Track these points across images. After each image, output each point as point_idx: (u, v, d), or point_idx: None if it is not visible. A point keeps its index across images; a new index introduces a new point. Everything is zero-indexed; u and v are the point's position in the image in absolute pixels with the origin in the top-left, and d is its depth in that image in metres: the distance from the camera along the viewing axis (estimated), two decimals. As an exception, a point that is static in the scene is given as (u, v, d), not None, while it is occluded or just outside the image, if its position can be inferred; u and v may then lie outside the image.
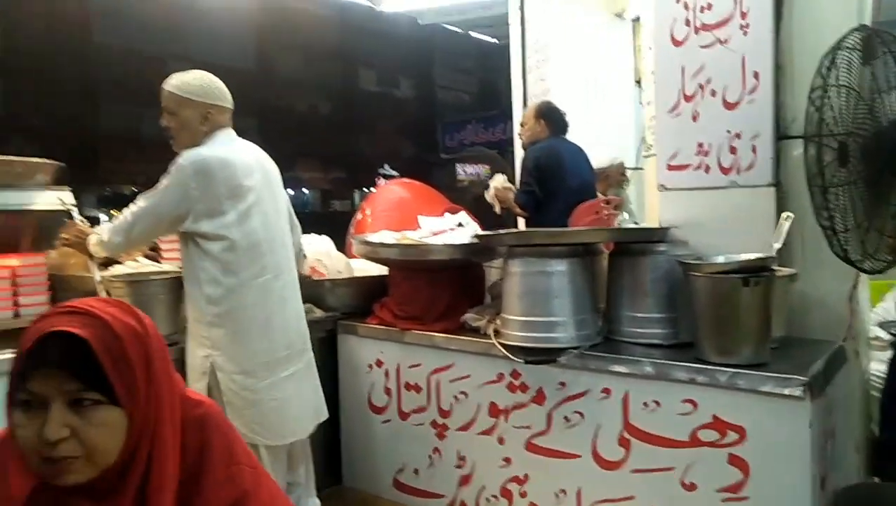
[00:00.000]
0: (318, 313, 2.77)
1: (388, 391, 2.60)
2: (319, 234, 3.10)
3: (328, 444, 2.71)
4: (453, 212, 3.25)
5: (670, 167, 2.26)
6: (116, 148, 15.76)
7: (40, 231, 2.58)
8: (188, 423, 1.02)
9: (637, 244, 2.20)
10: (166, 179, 2.07)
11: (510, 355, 2.12)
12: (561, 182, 3.40)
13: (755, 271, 1.83)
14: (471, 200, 3.63)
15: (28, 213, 2.50)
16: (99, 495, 0.92)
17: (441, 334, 2.44)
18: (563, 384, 2.10)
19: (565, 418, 2.10)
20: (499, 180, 3.58)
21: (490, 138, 12.62)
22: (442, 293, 2.57)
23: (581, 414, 2.07)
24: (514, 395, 2.22)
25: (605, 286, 2.29)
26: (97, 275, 2.32)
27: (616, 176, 4.09)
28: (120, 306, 0.96)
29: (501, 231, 2.44)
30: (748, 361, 1.81)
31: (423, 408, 2.48)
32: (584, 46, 4.44)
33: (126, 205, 2.17)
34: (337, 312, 2.84)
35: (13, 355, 0.91)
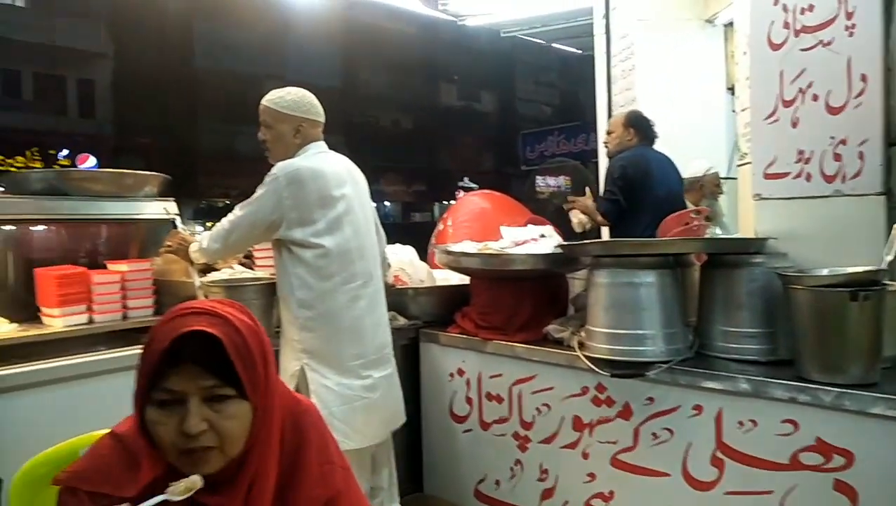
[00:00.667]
0: (401, 321, 2.82)
1: (469, 401, 2.60)
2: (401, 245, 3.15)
3: (410, 450, 2.74)
4: (535, 223, 3.23)
5: (767, 176, 2.16)
6: (212, 163, 16.70)
7: (147, 239, 2.76)
8: (287, 418, 1.06)
9: (731, 256, 2.11)
10: (261, 188, 2.17)
11: (596, 368, 2.08)
12: (648, 192, 3.31)
13: (864, 285, 1.71)
14: (552, 211, 3.58)
15: (137, 222, 2.68)
16: (218, 486, 0.97)
17: (523, 345, 2.42)
18: (651, 400, 2.04)
19: (653, 434, 2.03)
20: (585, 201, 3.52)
21: (571, 149, 12.46)
22: (524, 304, 2.55)
23: (670, 431, 2.00)
24: (600, 409, 2.17)
25: (697, 299, 2.21)
26: (197, 280, 2.46)
27: (710, 186, 3.95)
28: (233, 306, 1.02)
29: (586, 241, 2.40)
30: (856, 381, 1.69)
31: (504, 419, 2.47)
32: (673, 54, 4.32)
33: (220, 217, 2.29)
34: (419, 321, 2.87)
35: (141, 355, 0.95)
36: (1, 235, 2.56)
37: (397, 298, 2.83)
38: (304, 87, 2.34)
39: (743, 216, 3.76)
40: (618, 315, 2.07)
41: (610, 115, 4.27)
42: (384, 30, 17.65)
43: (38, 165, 12.86)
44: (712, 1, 4.38)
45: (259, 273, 2.66)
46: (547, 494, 2.33)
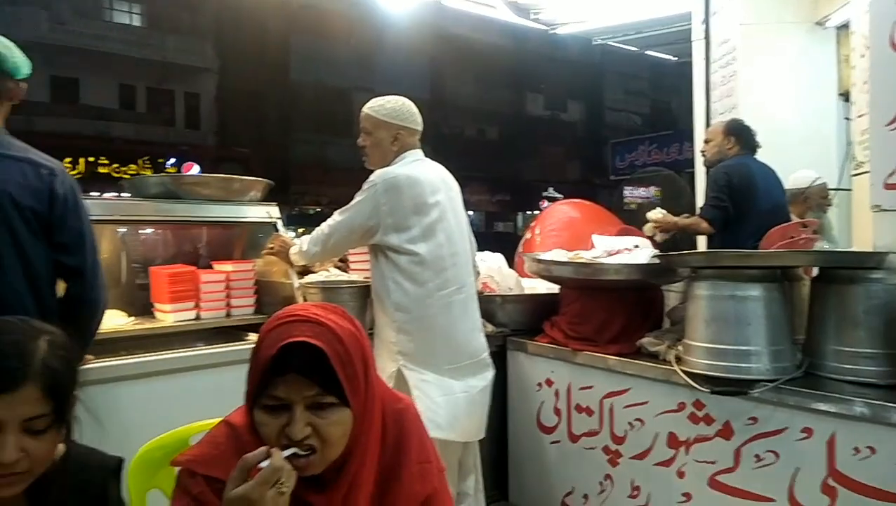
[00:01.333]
0: (489, 329, 2.81)
1: (557, 412, 2.56)
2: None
3: (495, 458, 2.72)
4: (626, 233, 3.15)
5: (888, 186, 2.00)
6: (304, 172, 17.37)
7: (249, 241, 2.90)
8: (389, 416, 1.08)
9: (846, 271, 1.97)
10: (360, 195, 2.24)
11: (694, 384, 1.99)
12: (751, 203, 3.16)
13: None
14: (644, 222, 3.48)
15: (241, 224, 2.82)
16: (320, 483, 1.00)
17: (616, 357, 2.36)
18: (754, 419, 1.93)
19: (756, 456, 1.92)
20: (657, 213, 3.40)
21: (664, 159, 12.08)
22: (617, 315, 2.49)
23: (776, 454, 1.88)
24: (697, 426, 2.07)
25: (805, 316, 2.08)
26: (296, 282, 2.55)
27: (817, 198, 3.72)
28: (336, 312, 1.05)
29: (686, 252, 2.32)
30: None
31: (594, 432, 2.41)
32: (778, 59, 4.11)
33: (311, 224, 2.38)
34: (506, 329, 2.86)
35: (250, 359, 1.01)
36: (121, 235, 2.76)
37: (485, 305, 2.82)
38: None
39: (858, 229, 3.52)
40: (720, 329, 1.98)
41: (708, 124, 4.12)
42: (473, 41, 17.82)
43: (148, 172, 13.85)
44: (822, 3, 4.14)
45: (353, 276, 2.73)
46: (638, 512, 2.26)
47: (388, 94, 2.36)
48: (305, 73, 17.86)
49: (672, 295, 2.72)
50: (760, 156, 3.39)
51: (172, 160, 13.75)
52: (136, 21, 16.91)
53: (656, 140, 12.90)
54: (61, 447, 0.99)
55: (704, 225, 3.28)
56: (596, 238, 2.90)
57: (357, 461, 1.02)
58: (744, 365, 1.92)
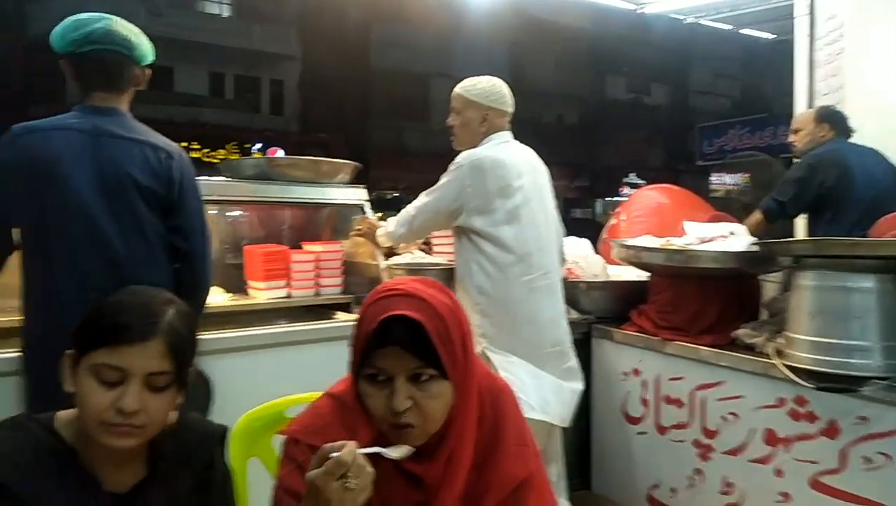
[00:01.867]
0: (574, 315, 2.76)
1: (644, 402, 2.49)
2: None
3: (578, 447, 2.68)
4: (719, 220, 3.01)
5: None
6: (382, 158, 17.61)
7: (337, 222, 2.97)
8: (485, 394, 1.08)
9: (976, 262, 1.81)
10: (446, 176, 2.24)
11: (798, 379, 1.89)
12: (849, 191, 2.95)
13: None
14: (738, 209, 3.31)
15: (330, 206, 2.89)
16: (420, 456, 1.01)
17: (709, 349, 2.27)
18: (863, 419, 1.81)
19: (865, 458, 1.80)
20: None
21: (756, 143, 11.46)
22: (710, 305, 2.39)
23: (888, 456, 1.76)
24: (798, 423, 1.97)
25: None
26: (382, 263, 2.59)
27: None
28: (435, 286, 1.05)
29: (789, 239, 2.19)
30: None
31: (684, 424, 2.33)
32: (893, 34, 3.79)
33: (389, 207, 2.39)
34: (591, 316, 2.80)
35: (353, 331, 1.03)
36: (219, 216, 2.88)
37: (569, 291, 2.76)
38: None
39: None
40: (827, 323, 1.86)
41: (810, 104, 3.86)
42: (553, 23, 17.45)
43: (235, 157, 14.42)
44: (948, -30, 3.78)
45: (437, 258, 2.75)
46: (730, 509, 2.17)
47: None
48: (385, 59, 18.04)
49: (769, 285, 2.59)
50: (871, 141, 3.15)
51: (258, 145, 14.24)
52: (226, 11, 17.57)
53: (748, 124, 12.23)
54: (174, 415, 1.04)
55: (757, 216, 3.09)
56: (688, 224, 2.78)
57: (455, 436, 1.03)
58: (853, 361, 1.81)
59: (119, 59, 1.75)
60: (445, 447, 1.02)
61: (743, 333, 2.26)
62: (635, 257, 2.55)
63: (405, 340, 0.96)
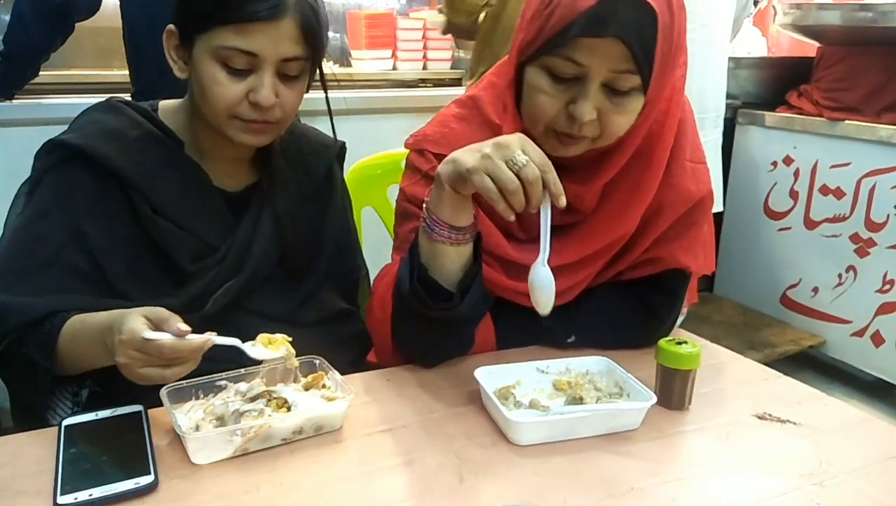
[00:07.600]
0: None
1: (794, 194, 2.19)
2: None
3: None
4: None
5: None
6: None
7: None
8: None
9: None
10: None
11: None
12: None
13: None
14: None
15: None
16: (576, 171, 0.83)
17: (891, 127, 1.89)
18: None
19: None
20: None
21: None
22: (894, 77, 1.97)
23: None
24: None
25: None
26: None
27: None
28: None
29: None
30: None
31: (842, 217, 2.03)
32: None
33: None
34: (737, 100, 2.42)
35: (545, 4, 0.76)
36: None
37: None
38: None
39: None
40: None
41: None
42: None
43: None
44: None
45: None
46: (887, 308, 1.92)
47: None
48: None
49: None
50: None
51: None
52: None
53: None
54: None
55: None
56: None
57: (622, 153, 0.82)
58: None
59: None
60: (607, 166, 0.82)
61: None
62: (803, 20, 2.11)
63: (630, 31, 0.71)
